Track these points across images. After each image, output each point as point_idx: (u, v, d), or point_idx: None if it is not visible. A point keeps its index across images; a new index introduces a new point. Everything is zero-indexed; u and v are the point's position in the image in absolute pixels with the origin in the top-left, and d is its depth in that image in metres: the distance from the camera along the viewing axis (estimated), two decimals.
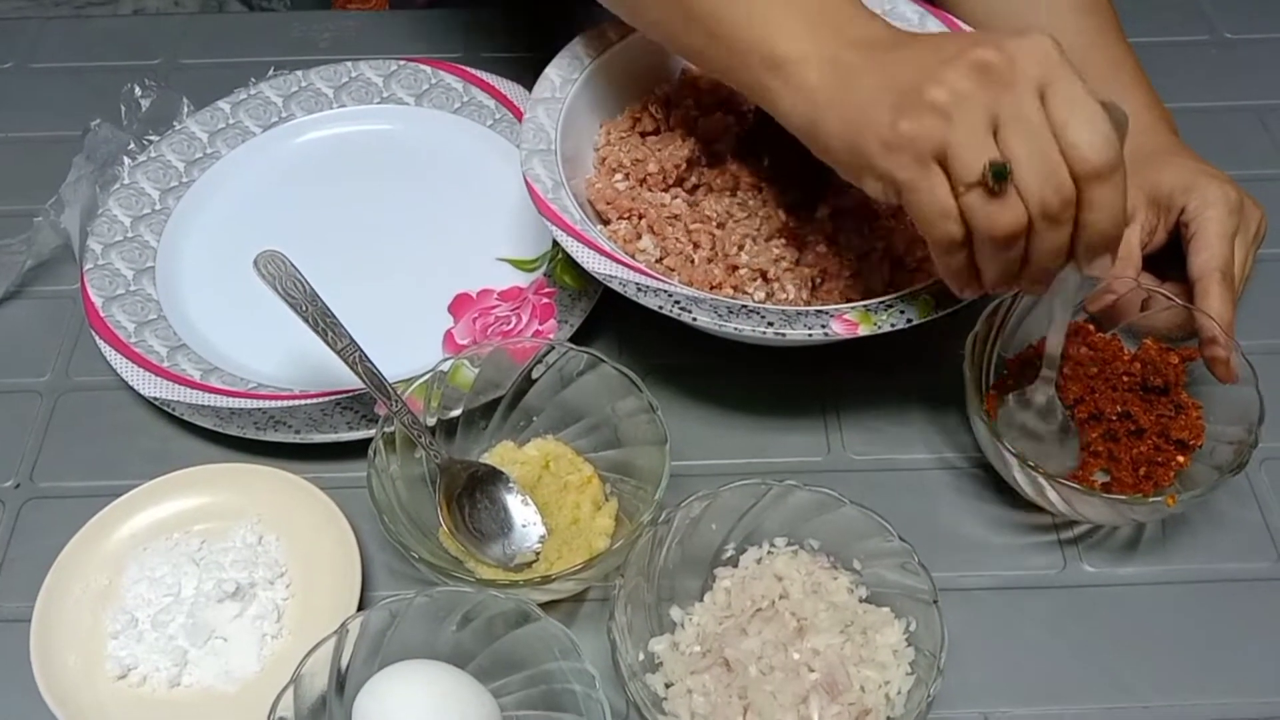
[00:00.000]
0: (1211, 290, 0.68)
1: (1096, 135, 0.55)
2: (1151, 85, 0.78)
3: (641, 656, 0.59)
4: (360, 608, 0.62)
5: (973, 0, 0.82)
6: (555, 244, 0.78)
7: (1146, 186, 0.72)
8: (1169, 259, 0.72)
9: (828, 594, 0.60)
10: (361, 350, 0.66)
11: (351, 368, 0.66)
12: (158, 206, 0.82)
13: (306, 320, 0.67)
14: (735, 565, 0.62)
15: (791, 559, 0.62)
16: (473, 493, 0.65)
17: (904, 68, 0.57)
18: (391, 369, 0.72)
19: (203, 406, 0.70)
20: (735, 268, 0.70)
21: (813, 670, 0.57)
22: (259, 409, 0.70)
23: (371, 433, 0.65)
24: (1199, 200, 0.70)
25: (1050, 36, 0.56)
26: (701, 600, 0.61)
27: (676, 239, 0.72)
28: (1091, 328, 0.70)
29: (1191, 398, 0.68)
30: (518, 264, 0.80)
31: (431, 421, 0.67)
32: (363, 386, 0.66)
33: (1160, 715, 0.61)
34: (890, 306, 0.64)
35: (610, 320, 0.77)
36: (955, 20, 0.79)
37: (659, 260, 0.72)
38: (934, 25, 0.79)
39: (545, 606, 0.58)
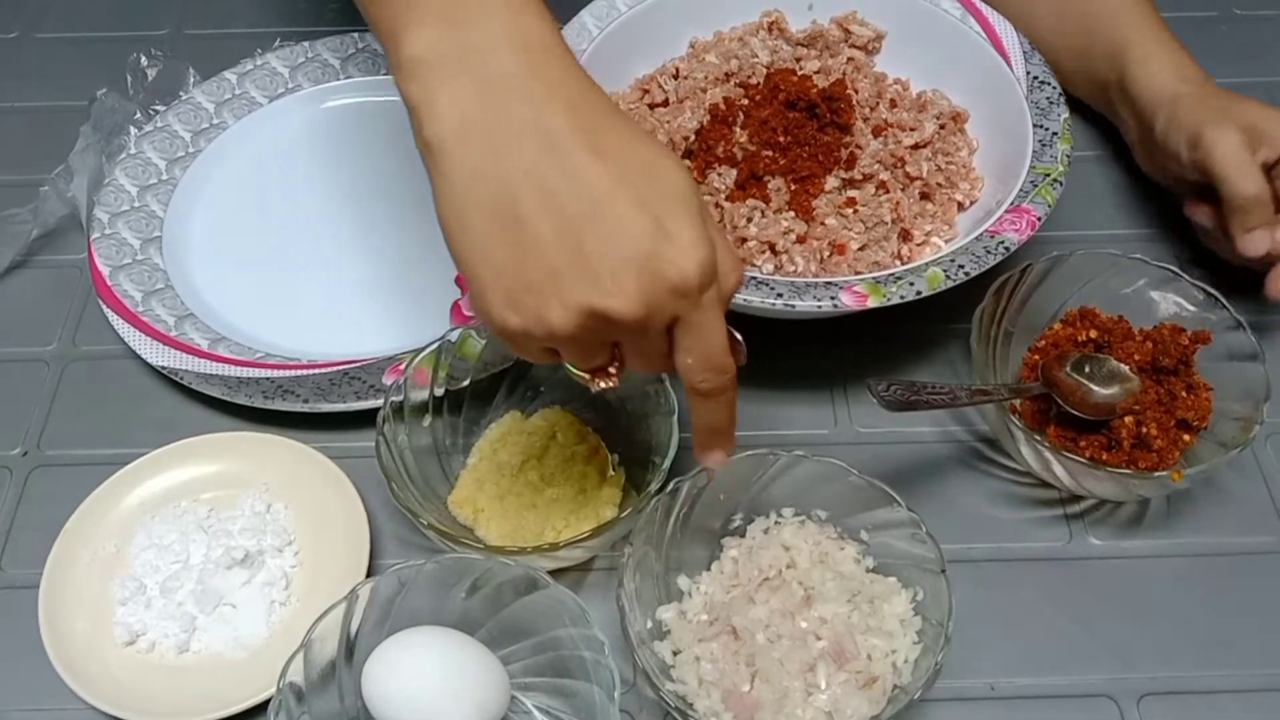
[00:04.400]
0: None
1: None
2: None
3: (650, 624, 0.59)
4: (369, 576, 0.63)
5: None
6: None
7: (1242, 121, 0.71)
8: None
9: (835, 564, 0.60)
10: None
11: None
12: (164, 176, 0.82)
13: None
14: (742, 535, 0.63)
15: (799, 529, 0.62)
16: None
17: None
18: (399, 340, 0.72)
19: (211, 375, 0.70)
20: (744, 240, 0.70)
21: (820, 638, 0.57)
22: (267, 378, 0.70)
23: (379, 403, 0.65)
24: None
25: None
26: (709, 570, 0.62)
27: None
28: (1097, 310, 0.70)
29: (1203, 379, 0.67)
30: None
31: (440, 392, 0.67)
32: (370, 357, 0.65)
33: (1164, 686, 0.61)
34: (899, 279, 0.64)
35: None
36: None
37: None
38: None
39: (552, 575, 0.59)
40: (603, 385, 0.52)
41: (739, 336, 0.52)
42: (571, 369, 0.52)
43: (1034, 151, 0.71)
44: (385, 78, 0.89)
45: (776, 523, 0.62)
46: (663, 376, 0.64)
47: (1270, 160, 0.71)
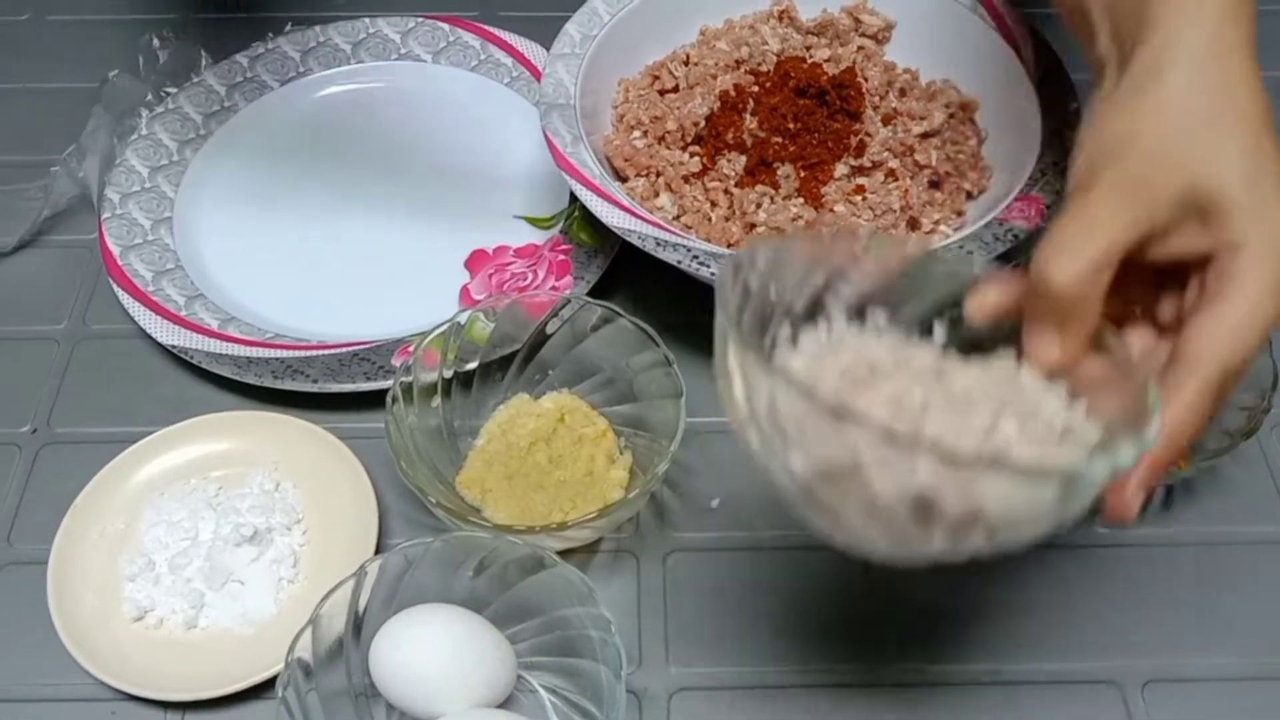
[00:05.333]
0: (1189, 390, 0.44)
1: None
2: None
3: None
4: (376, 554, 0.63)
5: None
6: (571, 201, 0.78)
7: (1182, 170, 0.45)
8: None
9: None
10: None
11: None
12: (175, 158, 0.83)
13: None
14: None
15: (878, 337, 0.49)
16: None
17: None
18: (408, 323, 0.72)
19: (221, 355, 0.71)
20: (753, 226, 0.70)
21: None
22: (277, 358, 0.71)
23: (388, 383, 0.65)
24: (1254, 249, 0.44)
25: None
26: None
27: (694, 197, 0.72)
28: None
29: None
30: (534, 221, 0.80)
31: (448, 373, 0.67)
32: (379, 339, 0.65)
33: (1167, 673, 0.61)
34: None
35: (626, 279, 0.77)
36: None
37: (676, 218, 0.72)
38: None
39: (559, 556, 0.59)
40: None
41: None
42: None
43: (1043, 141, 0.71)
44: (396, 62, 0.89)
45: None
46: (670, 359, 0.64)
47: (1137, 242, 0.45)
